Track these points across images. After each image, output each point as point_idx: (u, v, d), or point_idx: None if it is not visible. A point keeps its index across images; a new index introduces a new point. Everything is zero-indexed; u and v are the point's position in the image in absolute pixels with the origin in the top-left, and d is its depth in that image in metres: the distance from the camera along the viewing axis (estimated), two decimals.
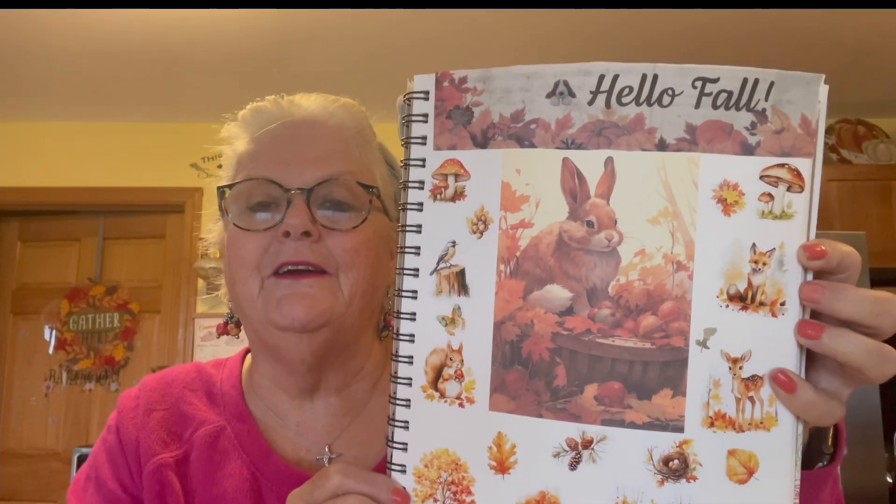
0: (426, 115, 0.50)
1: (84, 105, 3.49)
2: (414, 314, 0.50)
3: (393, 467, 0.51)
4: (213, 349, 3.42)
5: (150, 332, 3.70)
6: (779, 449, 0.45)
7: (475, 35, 2.79)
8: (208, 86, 3.24)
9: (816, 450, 0.53)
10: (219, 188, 0.71)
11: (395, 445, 0.51)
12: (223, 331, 0.77)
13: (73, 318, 3.72)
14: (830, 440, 0.53)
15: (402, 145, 0.51)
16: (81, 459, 2.55)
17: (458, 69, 0.49)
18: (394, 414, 0.51)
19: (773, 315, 0.44)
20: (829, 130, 3.37)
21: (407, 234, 0.51)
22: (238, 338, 0.77)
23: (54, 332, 3.74)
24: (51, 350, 3.73)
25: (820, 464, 0.53)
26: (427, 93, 0.50)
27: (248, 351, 0.80)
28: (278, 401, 0.75)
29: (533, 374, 0.47)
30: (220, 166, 0.76)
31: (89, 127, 3.67)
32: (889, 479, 2.55)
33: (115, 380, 3.68)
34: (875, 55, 2.93)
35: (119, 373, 3.69)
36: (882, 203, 3.14)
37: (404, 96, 0.51)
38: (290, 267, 0.66)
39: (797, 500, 0.45)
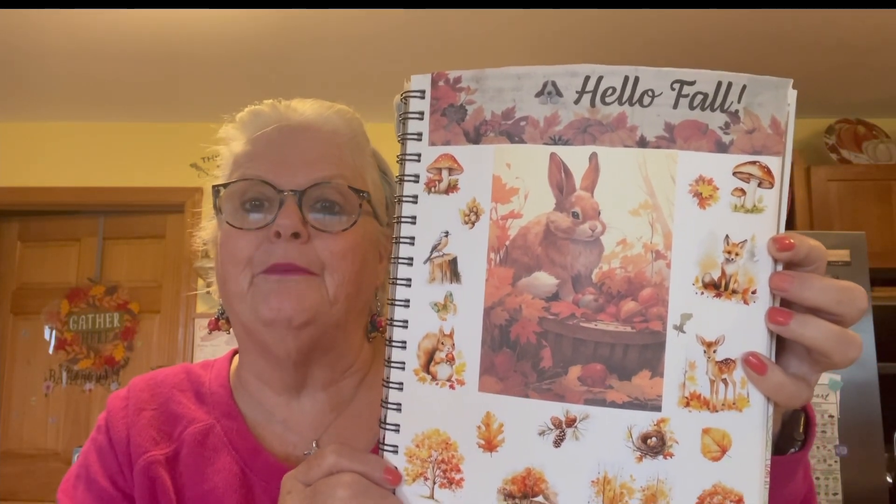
0: (422, 113, 0.53)
1: (84, 105, 3.49)
2: (408, 301, 0.53)
3: (385, 448, 0.54)
4: (214, 349, 3.43)
5: (150, 332, 3.70)
6: (750, 428, 0.47)
7: (474, 35, 2.80)
8: (208, 86, 3.24)
9: (788, 437, 0.56)
10: (214, 187, 0.73)
11: (387, 427, 0.54)
12: (214, 326, 0.80)
13: (73, 318, 3.72)
14: (802, 427, 0.56)
15: (399, 141, 0.54)
16: None
17: (453, 70, 0.52)
18: (387, 397, 0.54)
19: (745, 302, 0.47)
20: (828, 130, 3.36)
21: (402, 224, 0.53)
22: (229, 333, 0.78)
23: (54, 332, 3.74)
24: (51, 350, 3.73)
25: (792, 450, 0.56)
26: (423, 92, 0.53)
27: (235, 352, 0.82)
28: (265, 397, 0.76)
29: (520, 356, 0.49)
30: (219, 166, 0.79)
31: (89, 127, 3.68)
32: (889, 479, 2.55)
33: (115, 380, 3.68)
34: (875, 55, 2.92)
35: (119, 373, 3.69)
36: (882, 203, 3.13)
37: (401, 95, 0.54)
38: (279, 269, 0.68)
39: (768, 479, 0.47)
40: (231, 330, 0.78)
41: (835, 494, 2.49)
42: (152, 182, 3.62)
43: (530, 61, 3.15)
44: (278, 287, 0.67)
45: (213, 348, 3.45)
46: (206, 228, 0.79)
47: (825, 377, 2.51)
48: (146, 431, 0.74)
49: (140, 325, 3.72)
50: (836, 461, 2.50)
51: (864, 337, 2.57)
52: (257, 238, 0.69)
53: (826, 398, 2.51)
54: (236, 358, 0.82)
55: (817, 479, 2.51)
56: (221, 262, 0.72)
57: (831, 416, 2.51)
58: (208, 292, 0.80)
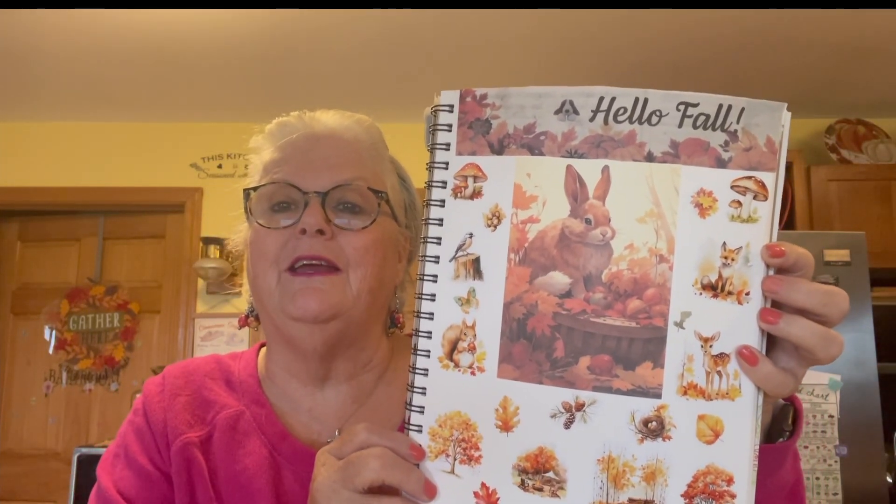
0: (450, 125, 0.58)
1: (84, 105, 3.51)
2: (434, 295, 0.58)
3: (411, 427, 0.59)
4: (213, 349, 3.46)
5: (150, 332, 3.73)
6: (741, 416, 0.52)
7: (472, 34, 2.82)
8: (208, 86, 3.26)
9: (778, 429, 0.61)
10: (245, 190, 0.79)
11: (413, 408, 0.59)
12: (244, 323, 0.85)
13: (73, 318, 3.74)
14: (790, 420, 0.61)
15: (428, 150, 0.59)
16: (81, 460, 2.55)
17: (480, 87, 0.57)
18: (413, 382, 0.59)
19: (740, 303, 0.52)
20: (829, 130, 3.38)
21: (430, 226, 0.58)
22: (258, 329, 0.84)
23: (54, 332, 3.76)
24: (51, 350, 3.75)
25: (781, 439, 0.61)
26: (452, 106, 0.58)
27: (262, 345, 0.88)
28: (292, 388, 0.81)
29: (535, 346, 0.54)
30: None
31: (89, 127, 3.70)
32: (889, 479, 2.56)
33: (115, 380, 3.70)
34: (875, 55, 2.94)
35: (119, 373, 3.71)
36: (882, 203, 3.15)
37: (431, 108, 0.59)
38: (304, 262, 0.73)
39: (756, 462, 0.52)
40: (259, 326, 0.83)
41: (835, 494, 2.48)
42: (152, 182, 3.64)
43: (525, 58, 3.14)
44: (304, 287, 0.73)
45: (212, 348, 3.48)
46: (240, 232, 0.84)
47: (825, 377, 2.49)
48: (181, 415, 0.79)
49: (140, 325, 3.74)
50: (836, 461, 2.49)
51: (864, 337, 2.56)
52: (284, 236, 0.75)
53: (826, 398, 2.50)
54: (262, 350, 0.87)
55: (817, 479, 2.49)
56: (252, 260, 0.78)
57: (831, 416, 2.49)
58: (240, 292, 0.86)
